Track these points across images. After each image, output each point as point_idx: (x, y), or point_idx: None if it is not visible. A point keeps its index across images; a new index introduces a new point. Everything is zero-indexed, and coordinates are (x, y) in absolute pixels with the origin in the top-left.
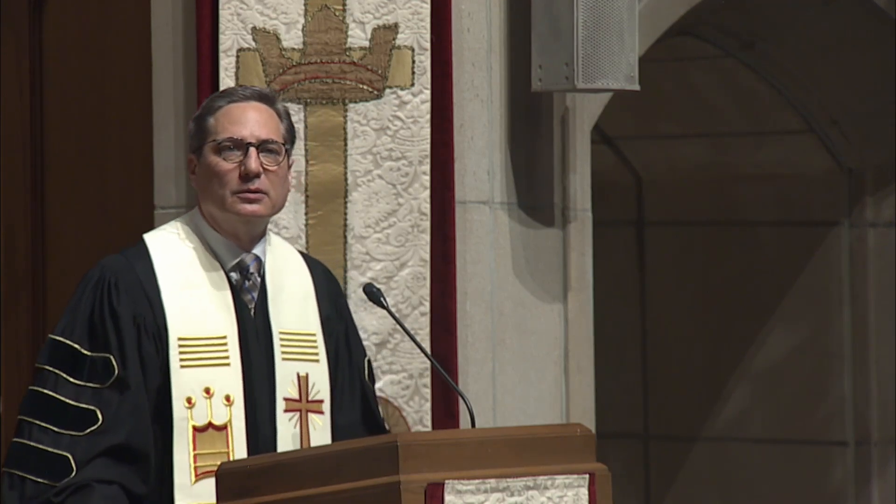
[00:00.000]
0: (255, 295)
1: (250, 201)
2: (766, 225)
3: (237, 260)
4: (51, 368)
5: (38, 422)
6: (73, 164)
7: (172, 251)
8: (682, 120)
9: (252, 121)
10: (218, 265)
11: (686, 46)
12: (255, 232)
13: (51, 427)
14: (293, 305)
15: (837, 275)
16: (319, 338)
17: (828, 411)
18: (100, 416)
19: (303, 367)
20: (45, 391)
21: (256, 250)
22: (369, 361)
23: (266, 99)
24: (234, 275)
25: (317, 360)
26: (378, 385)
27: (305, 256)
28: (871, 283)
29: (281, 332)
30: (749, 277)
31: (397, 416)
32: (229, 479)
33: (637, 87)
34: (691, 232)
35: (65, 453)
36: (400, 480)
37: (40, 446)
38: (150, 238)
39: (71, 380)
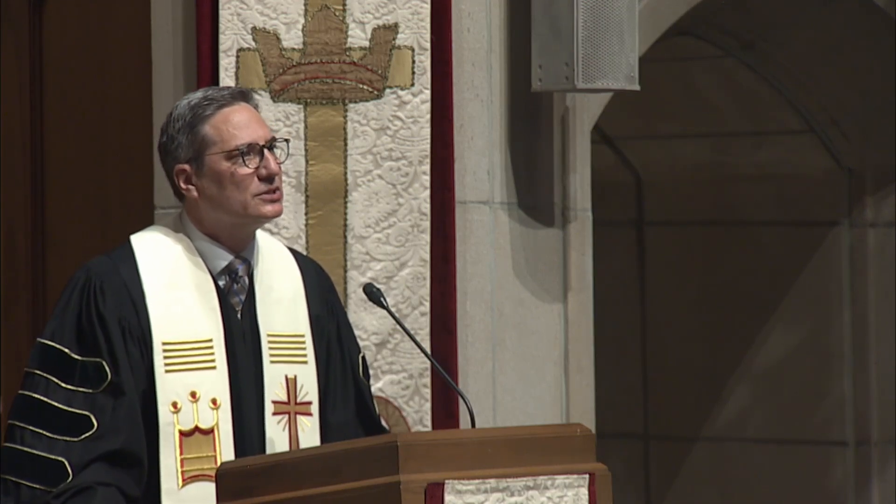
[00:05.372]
0: (243, 297)
1: (273, 201)
2: (766, 225)
3: (226, 264)
4: (41, 373)
5: (30, 427)
6: (73, 164)
7: (158, 253)
8: (682, 120)
9: (254, 123)
10: (204, 268)
11: (686, 46)
12: (252, 235)
13: (44, 432)
14: (282, 307)
15: (837, 275)
16: (308, 339)
17: (828, 411)
18: (94, 422)
19: (291, 370)
20: (37, 396)
21: (245, 253)
22: (363, 357)
23: (247, 97)
24: (221, 278)
25: (305, 362)
26: (378, 385)
27: (296, 254)
28: (871, 283)
29: (269, 335)
30: (749, 277)
31: (397, 416)
32: (229, 479)
33: (637, 87)
34: (691, 232)
35: (60, 458)
36: (400, 480)
37: (34, 451)
38: (137, 239)
39: (62, 384)
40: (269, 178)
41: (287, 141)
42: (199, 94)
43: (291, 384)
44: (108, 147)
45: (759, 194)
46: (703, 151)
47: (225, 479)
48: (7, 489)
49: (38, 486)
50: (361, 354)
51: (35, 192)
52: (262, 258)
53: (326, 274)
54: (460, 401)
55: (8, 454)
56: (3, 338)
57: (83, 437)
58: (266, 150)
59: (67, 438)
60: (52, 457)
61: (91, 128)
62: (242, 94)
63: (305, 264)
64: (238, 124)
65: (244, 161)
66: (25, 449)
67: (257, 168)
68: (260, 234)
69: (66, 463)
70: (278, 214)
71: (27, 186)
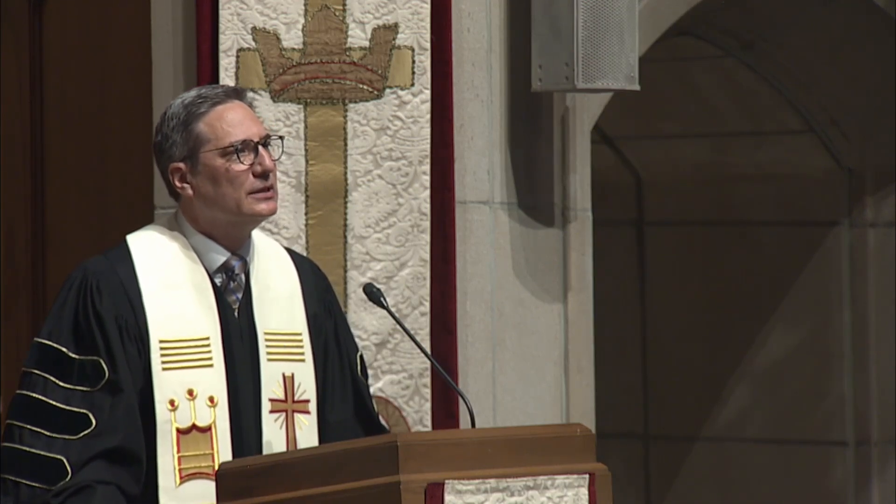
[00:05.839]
0: (240, 296)
1: (268, 199)
2: (766, 225)
3: (222, 262)
4: (39, 372)
5: (28, 426)
6: (73, 164)
7: (155, 252)
8: (682, 120)
9: (248, 120)
10: (201, 266)
11: (686, 46)
12: (248, 234)
13: (42, 431)
14: (278, 305)
15: (837, 275)
16: (305, 337)
17: (828, 411)
18: (93, 420)
19: (288, 368)
20: (35, 395)
21: (241, 251)
22: (361, 356)
23: (241, 95)
24: (218, 277)
25: (303, 360)
26: (378, 385)
27: (292, 253)
28: (871, 283)
29: (266, 333)
30: (749, 277)
31: (397, 416)
32: (229, 479)
33: (637, 87)
34: (691, 232)
35: (59, 456)
36: (400, 480)
37: (33, 450)
38: (133, 239)
39: (60, 383)
40: (263, 175)
41: (282, 138)
42: (192, 93)
43: (289, 382)
44: (108, 147)
45: (759, 194)
46: (703, 151)
47: (225, 479)
48: (6, 488)
49: (37, 485)
50: (359, 353)
51: (35, 192)
52: (258, 257)
53: (323, 273)
54: (460, 401)
55: (7, 453)
56: (3, 338)
57: (82, 434)
58: (261, 147)
59: (66, 437)
60: (51, 455)
61: (91, 128)
62: (236, 92)
63: (302, 264)
64: (232, 121)
65: (239, 157)
66: (24, 448)
67: (252, 165)
68: (256, 233)
69: (65, 461)
70: (273, 213)
71: (27, 186)
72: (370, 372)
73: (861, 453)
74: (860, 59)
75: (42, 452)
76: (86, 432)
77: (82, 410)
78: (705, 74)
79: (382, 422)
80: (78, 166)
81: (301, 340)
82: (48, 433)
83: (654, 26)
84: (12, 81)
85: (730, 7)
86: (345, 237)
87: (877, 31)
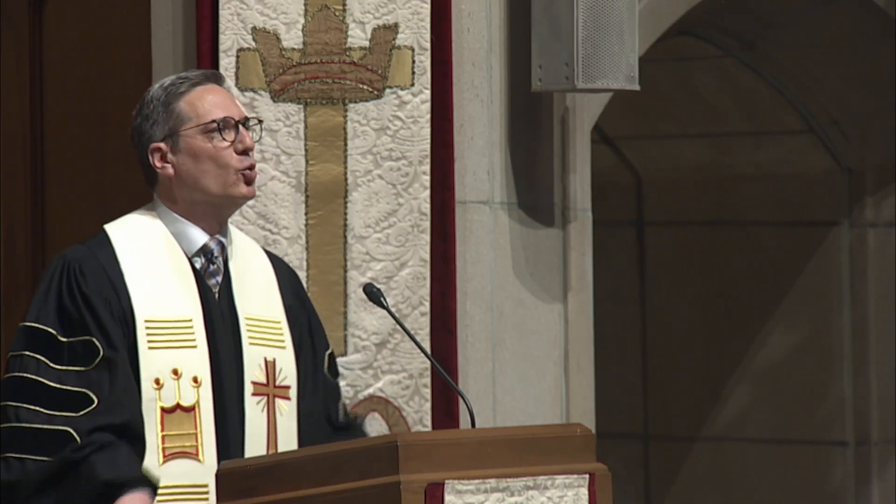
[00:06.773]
0: (219, 279)
1: (249, 181)
2: (766, 225)
3: (201, 245)
4: (30, 353)
5: (25, 405)
6: (73, 164)
7: (134, 238)
8: (682, 120)
9: (227, 100)
10: (180, 251)
11: (686, 46)
12: (225, 218)
13: (40, 409)
14: (257, 292)
15: (837, 275)
16: (285, 325)
17: (828, 411)
18: (94, 398)
19: (269, 353)
20: (28, 375)
21: (219, 235)
22: (331, 354)
23: (219, 79)
24: (197, 260)
25: (283, 347)
26: (378, 385)
27: (264, 250)
28: (871, 283)
29: (247, 318)
30: (749, 277)
31: (397, 416)
32: (229, 479)
33: (637, 87)
34: (691, 232)
35: (64, 427)
36: (400, 480)
37: (34, 426)
38: (111, 227)
39: (52, 365)
40: (245, 153)
41: (260, 121)
42: (171, 77)
43: (270, 367)
44: (108, 147)
45: (759, 194)
46: (703, 151)
47: (225, 479)
48: (10, 467)
49: (44, 459)
50: (329, 351)
51: (35, 192)
52: (235, 243)
53: (294, 272)
54: (460, 401)
55: (6, 433)
56: (2, 337)
57: (84, 412)
58: (241, 126)
59: (67, 414)
60: (55, 427)
61: (91, 128)
62: (215, 76)
63: (275, 259)
64: (213, 101)
65: (221, 135)
66: (24, 425)
67: (233, 142)
68: (231, 225)
69: (73, 431)
70: (252, 196)
71: (27, 186)
72: (370, 372)
73: (861, 453)
74: (860, 59)
75: (45, 426)
76: (88, 409)
77: (80, 389)
78: (705, 74)
79: (343, 422)
80: (78, 166)
81: (280, 328)
82: (47, 411)
83: (654, 26)
84: (12, 81)
85: (730, 7)
86: (345, 237)
87: (877, 31)
